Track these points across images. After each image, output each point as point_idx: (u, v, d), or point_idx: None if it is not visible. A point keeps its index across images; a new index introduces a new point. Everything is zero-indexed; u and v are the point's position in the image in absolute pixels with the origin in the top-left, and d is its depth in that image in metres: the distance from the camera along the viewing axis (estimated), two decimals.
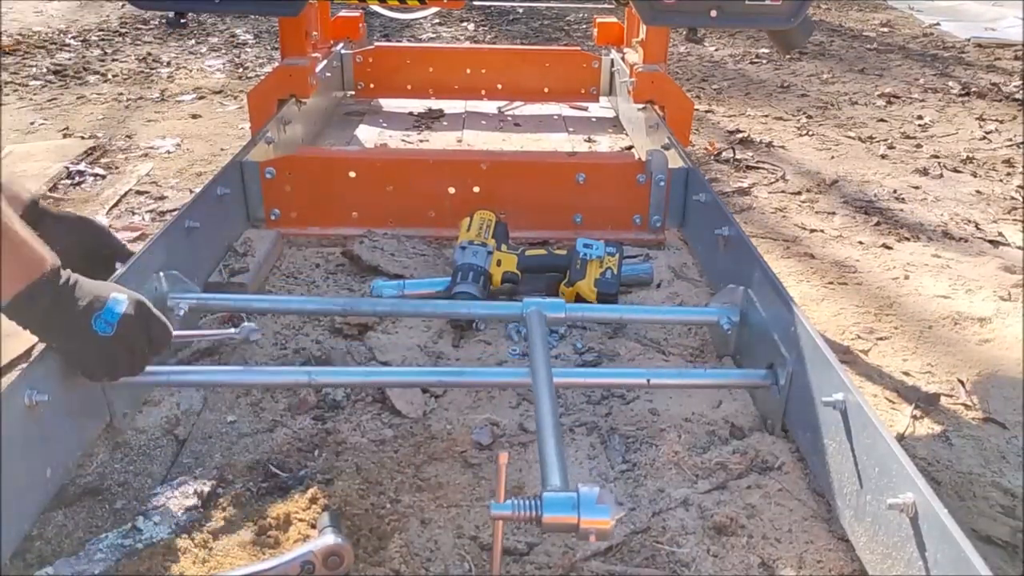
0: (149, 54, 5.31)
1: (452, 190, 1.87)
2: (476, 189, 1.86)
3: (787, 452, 1.29)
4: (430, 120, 2.85)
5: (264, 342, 1.52)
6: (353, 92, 2.94)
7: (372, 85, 2.93)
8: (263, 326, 1.57)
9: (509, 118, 2.87)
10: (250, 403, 1.36)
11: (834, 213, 3.21)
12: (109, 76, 4.83)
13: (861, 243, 2.94)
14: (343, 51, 2.88)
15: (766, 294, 1.34)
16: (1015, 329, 2.31)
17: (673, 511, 1.17)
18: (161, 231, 1.50)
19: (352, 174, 1.85)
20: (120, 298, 1.13)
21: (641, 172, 1.87)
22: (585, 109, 2.96)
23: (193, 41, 5.67)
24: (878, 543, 1.01)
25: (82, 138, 3.81)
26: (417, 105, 2.93)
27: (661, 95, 2.33)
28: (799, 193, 3.37)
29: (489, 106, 2.95)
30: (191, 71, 5.01)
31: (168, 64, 5.14)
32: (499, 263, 1.63)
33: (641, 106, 2.38)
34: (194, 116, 4.24)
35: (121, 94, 4.48)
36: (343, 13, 3.07)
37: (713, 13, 2.05)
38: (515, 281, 1.63)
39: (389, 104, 2.97)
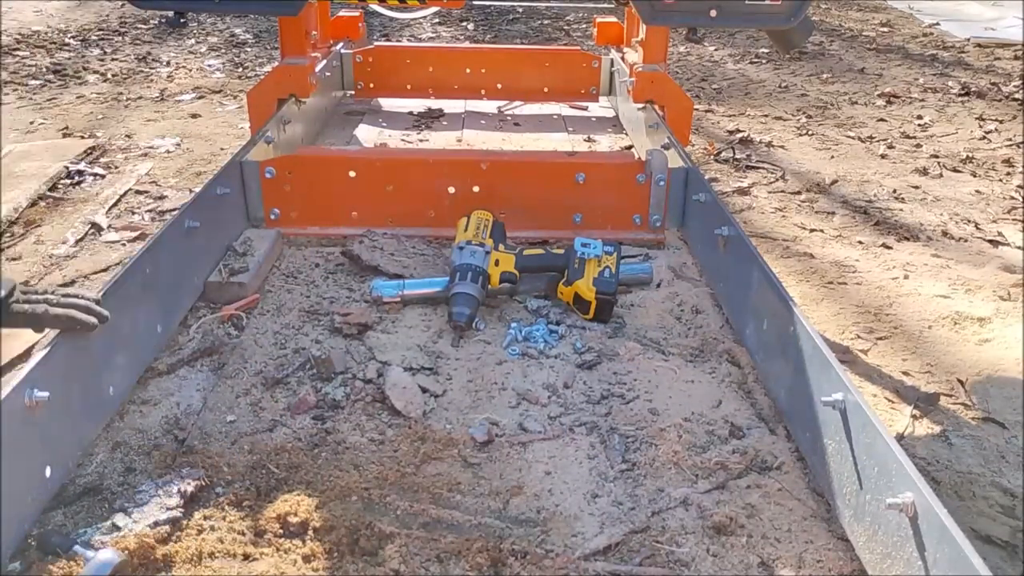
0: (148, 53, 5.31)
1: (452, 190, 1.87)
2: (476, 189, 1.87)
3: (787, 452, 1.29)
4: (430, 120, 2.85)
5: (264, 341, 1.52)
6: (353, 92, 2.94)
7: (372, 85, 2.93)
8: (263, 326, 1.57)
9: (509, 118, 2.87)
10: (250, 403, 1.36)
11: (834, 213, 3.21)
12: (108, 75, 4.83)
13: (861, 243, 2.94)
14: (343, 51, 2.88)
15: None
16: (1015, 329, 2.32)
17: (673, 511, 1.17)
18: (161, 231, 1.50)
19: (352, 174, 1.85)
20: None
21: (641, 172, 1.87)
22: (585, 109, 2.96)
23: (193, 41, 5.68)
24: (878, 543, 1.02)
25: (82, 137, 3.81)
26: (417, 105, 2.94)
27: (661, 95, 2.33)
28: (799, 193, 3.37)
29: (489, 106, 2.95)
30: (191, 70, 5.02)
31: (168, 64, 5.14)
32: (497, 263, 1.63)
33: (641, 106, 2.38)
34: (194, 116, 4.24)
35: (121, 93, 4.48)
36: (343, 13, 3.07)
37: (713, 13, 2.05)
38: (513, 281, 1.64)
39: (389, 104, 2.97)
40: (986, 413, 2.01)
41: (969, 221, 3.17)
